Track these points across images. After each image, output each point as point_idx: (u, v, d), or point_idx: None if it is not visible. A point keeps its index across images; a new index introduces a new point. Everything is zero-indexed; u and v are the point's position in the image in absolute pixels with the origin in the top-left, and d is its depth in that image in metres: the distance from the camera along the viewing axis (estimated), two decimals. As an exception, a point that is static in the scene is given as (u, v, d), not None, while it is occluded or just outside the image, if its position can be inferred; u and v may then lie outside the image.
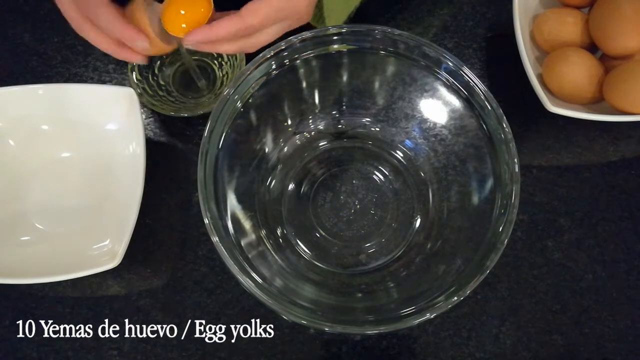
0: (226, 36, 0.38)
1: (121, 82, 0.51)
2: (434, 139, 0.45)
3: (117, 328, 0.45)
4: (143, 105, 0.48)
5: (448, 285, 0.37)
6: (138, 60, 0.40)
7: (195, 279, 0.46)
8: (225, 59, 0.50)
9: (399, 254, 0.45)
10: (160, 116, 0.50)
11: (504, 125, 0.39)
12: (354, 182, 0.48)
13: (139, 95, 0.46)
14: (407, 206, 0.47)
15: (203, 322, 0.45)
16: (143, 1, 0.39)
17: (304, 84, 0.45)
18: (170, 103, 0.49)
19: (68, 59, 0.52)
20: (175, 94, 0.50)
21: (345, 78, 0.45)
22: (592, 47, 0.48)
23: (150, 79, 0.49)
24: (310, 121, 0.47)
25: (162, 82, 0.50)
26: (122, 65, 0.51)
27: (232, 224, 0.40)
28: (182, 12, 0.39)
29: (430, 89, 0.43)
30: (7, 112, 0.46)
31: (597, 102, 0.47)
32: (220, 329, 0.45)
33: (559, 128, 0.50)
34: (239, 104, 0.41)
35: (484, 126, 0.40)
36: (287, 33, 0.40)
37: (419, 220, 0.46)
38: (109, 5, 0.37)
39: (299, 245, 0.46)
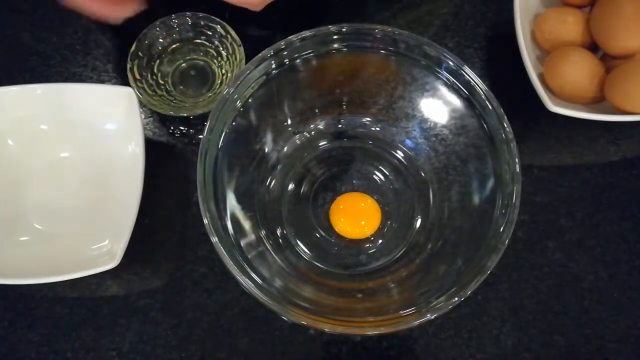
0: None
1: (120, 82, 0.51)
2: (434, 138, 0.45)
3: (116, 328, 0.45)
4: (142, 104, 0.48)
5: (449, 285, 0.37)
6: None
7: (195, 279, 0.46)
8: (225, 58, 0.50)
9: (399, 255, 0.45)
10: (159, 116, 0.50)
11: (505, 125, 0.39)
12: (354, 182, 0.48)
13: (138, 95, 0.46)
14: (408, 206, 0.47)
15: (203, 322, 0.45)
16: None
17: (304, 84, 0.45)
18: (169, 103, 0.49)
19: (67, 58, 0.52)
20: (175, 93, 0.50)
21: (345, 77, 0.45)
22: (593, 47, 0.48)
23: (149, 78, 0.49)
24: (310, 121, 0.47)
25: (161, 82, 0.50)
26: (121, 64, 0.51)
27: (231, 224, 0.40)
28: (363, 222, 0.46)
29: (431, 89, 0.43)
30: (6, 112, 0.46)
31: (598, 101, 0.47)
32: (220, 329, 0.45)
33: (560, 128, 0.50)
34: (238, 104, 0.41)
35: (485, 126, 0.40)
36: (286, 34, 0.40)
37: (419, 221, 0.46)
38: None
39: (299, 245, 0.46)
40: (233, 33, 0.48)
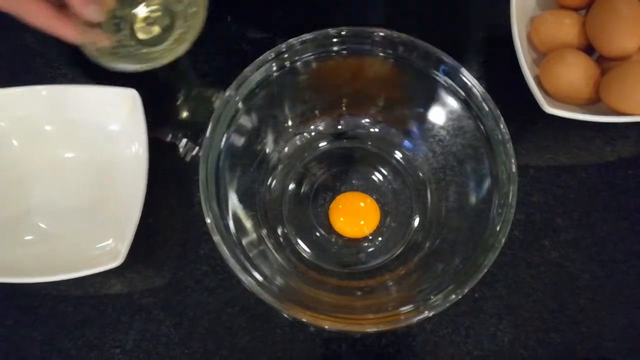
0: None
1: (124, 84, 0.52)
2: (432, 139, 0.46)
3: (120, 326, 0.45)
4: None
5: (446, 283, 0.37)
6: (70, 36, 0.39)
7: (197, 277, 0.46)
8: None
9: (397, 253, 0.46)
10: (162, 117, 0.51)
11: (502, 126, 0.39)
12: (353, 182, 0.48)
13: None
14: (406, 206, 0.47)
15: (204, 320, 0.45)
16: None
17: (305, 85, 0.45)
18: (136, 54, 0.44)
19: (71, 60, 0.53)
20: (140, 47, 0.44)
21: (344, 79, 0.46)
22: (588, 49, 0.48)
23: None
24: (311, 122, 0.48)
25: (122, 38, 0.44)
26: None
27: (233, 223, 0.40)
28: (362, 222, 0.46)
29: (429, 91, 0.43)
30: (11, 112, 0.47)
31: (594, 103, 0.48)
32: (221, 327, 0.45)
33: (556, 129, 0.50)
34: (240, 105, 0.41)
35: (482, 127, 0.40)
36: (287, 36, 0.41)
37: (417, 220, 0.46)
38: None
39: (299, 244, 0.46)
40: None
